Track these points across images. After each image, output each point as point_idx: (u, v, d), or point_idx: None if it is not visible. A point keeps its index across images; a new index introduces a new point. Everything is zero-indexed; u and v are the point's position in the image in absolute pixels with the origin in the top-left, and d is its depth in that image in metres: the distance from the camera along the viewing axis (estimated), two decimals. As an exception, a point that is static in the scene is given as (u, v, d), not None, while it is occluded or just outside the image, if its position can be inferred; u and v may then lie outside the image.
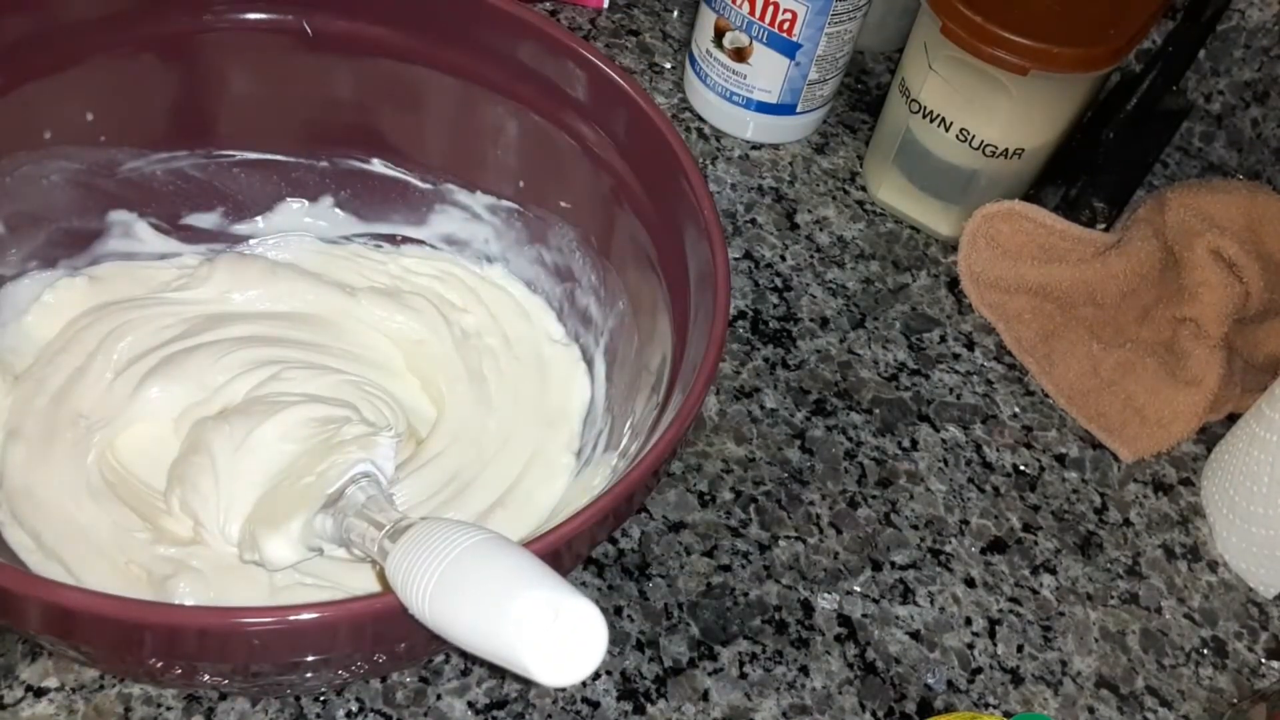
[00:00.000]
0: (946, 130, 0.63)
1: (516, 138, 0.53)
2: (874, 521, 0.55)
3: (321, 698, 0.45)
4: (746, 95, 0.68)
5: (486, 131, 0.53)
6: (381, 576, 0.45)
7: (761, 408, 0.58)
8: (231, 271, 0.53)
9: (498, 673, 0.47)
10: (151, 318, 0.51)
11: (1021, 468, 0.59)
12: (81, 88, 0.49)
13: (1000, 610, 0.53)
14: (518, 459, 0.50)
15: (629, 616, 0.50)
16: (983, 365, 0.62)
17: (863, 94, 0.75)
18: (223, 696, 0.44)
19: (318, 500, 0.42)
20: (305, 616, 0.33)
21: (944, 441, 0.59)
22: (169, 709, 0.44)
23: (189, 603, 0.43)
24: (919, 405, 0.60)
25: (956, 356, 0.62)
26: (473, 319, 0.55)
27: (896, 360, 0.61)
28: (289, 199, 0.55)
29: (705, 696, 0.48)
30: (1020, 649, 0.52)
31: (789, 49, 0.65)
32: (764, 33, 0.65)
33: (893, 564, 0.54)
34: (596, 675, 0.48)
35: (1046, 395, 0.62)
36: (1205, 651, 0.54)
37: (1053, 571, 0.55)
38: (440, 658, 0.47)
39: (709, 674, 0.49)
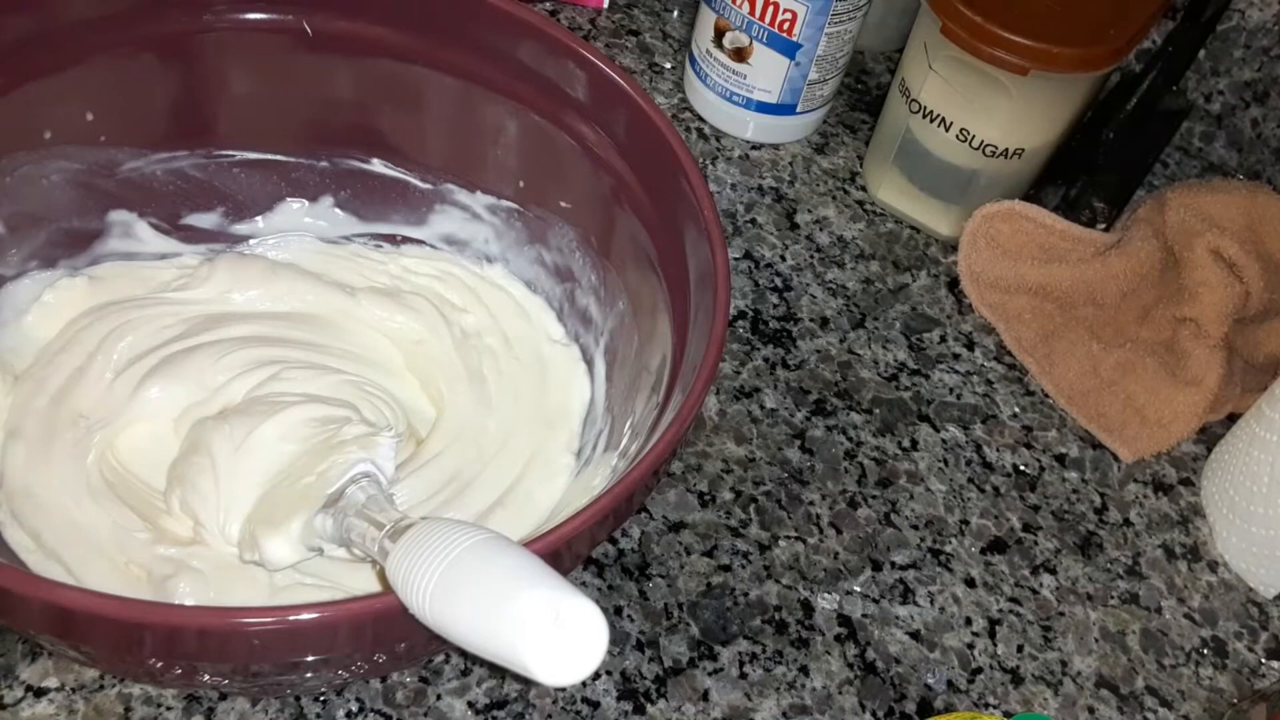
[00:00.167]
0: (946, 130, 0.63)
1: (516, 138, 0.53)
2: (874, 521, 0.55)
3: (321, 698, 0.45)
4: (746, 95, 0.68)
5: (486, 131, 0.53)
6: (381, 576, 0.45)
7: (761, 408, 0.58)
8: (231, 271, 0.53)
9: (498, 673, 0.47)
10: (151, 318, 0.51)
11: (1021, 468, 0.59)
12: (81, 88, 0.49)
13: (1000, 610, 0.53)
14: (518, 459, 0.50)
15: (629, 616, 0.50)
16: (983, 365, 0.62)
17: (863, 94, 0.75)
18: (223, 696, 0.44)
19: (318, 500, 0.42)
20: (305, 616, 0.33)
21: (944, 441, 0.59)
22: (169, 709, 0.44)
23: (189, 603, 0.43)
24: (919, 405, 0.60)
25: (956, 356, 0.62)
26: (473, 319, 0.55)
27: (896, 360, 0.61)
28: (289, 199, 0.55)
29: (705, 696, 0.48)
30: (1020, 649, 0.52)
31: (789, 49, 0.65)
32: (764, 33, 0.65)
33: (893, 564, 0.54)
34: (596, 675, 0.48)
35: (1046, 395, 0.62)
36: (1205, 651, 0.54)
37: (1053, 571, 0.55)
38: (440, 658, 0.47)
39: (709, 674, 0.49)
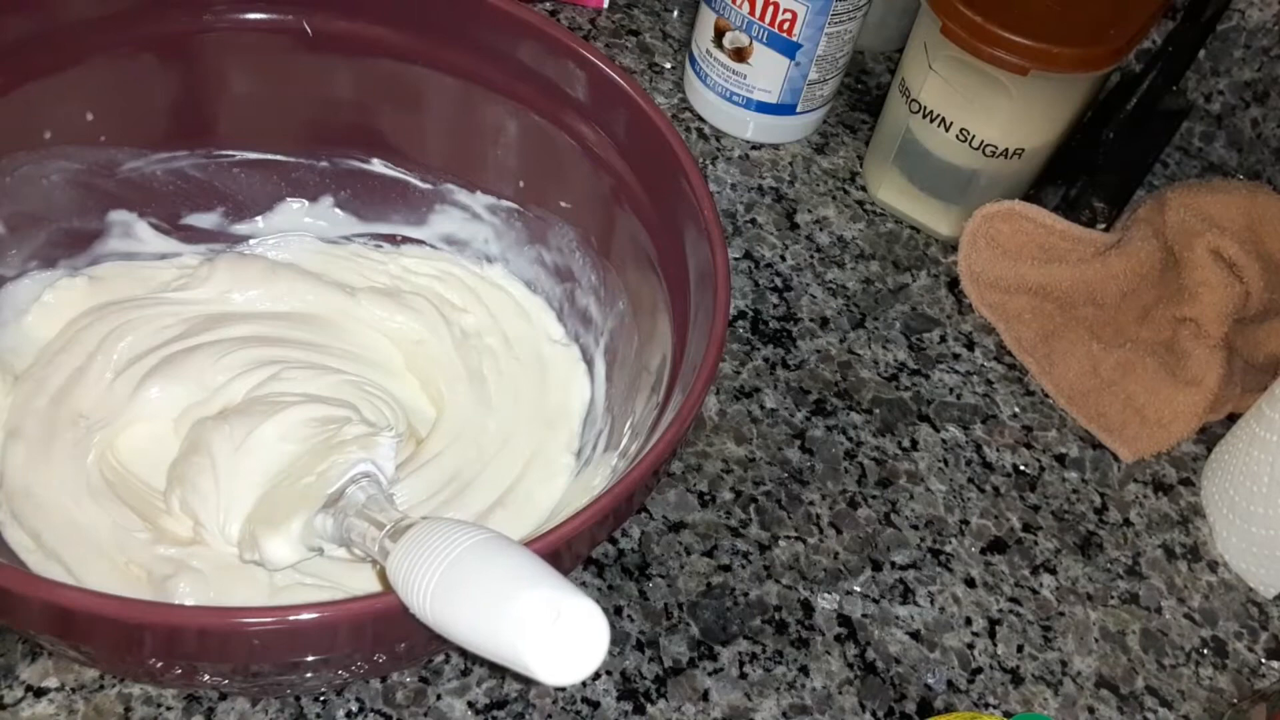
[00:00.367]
0: (946, 130, 0.63)
1: (516, 138, 0.53)
2: (874, 521, 0.55)
3: (321, 698, 0.45)
4: (746, 95, 0.68)
5: (486, 131, 0.53)
6: (382, 576, 0.45)
7: (761, 408, 0.58)
8: (231, 271, 0.53)
9: (498, 673, 0.47)
10: (151, 318, 0.51)
11: (1021, 468, 0.59)
12: (81, 88, 0.49)
13: (1000, 610, 0.53)
14: (518, 459, 0.50)
15: (629, 616, 0.50)
16: (983, 365, 0.62)
17: (863, 94, 0.75)
18: (223, 696, 0.44)
19: (318, 500, 0.42)
20: (305, 616, 0.33)
21: (944, 441, 0.59)
22: (169, 709, 0.44)
23: (189, 603, 0.43)
24: (919, 405, 0.60)
25: (956, 356, 0.62)
26: (472, 319, 0.55)
27: (896, 360, 0.61)
28: (289, 199, 0.55)
29: (705, 696, 0.48)
30: (1020, 649, 0.52)
31: (789, 49, 0.65)
32: (764, 33, 0.65)
33: (893, 564, 0.54)
34: (597, 675, 0.48)
35: (1046, 395, 0.62)
36: (1205, 651, 0.54)
37: (1053, 571, 0.55)
38: (440, 658, 0.47)
39: (709, 674, 0.49)
